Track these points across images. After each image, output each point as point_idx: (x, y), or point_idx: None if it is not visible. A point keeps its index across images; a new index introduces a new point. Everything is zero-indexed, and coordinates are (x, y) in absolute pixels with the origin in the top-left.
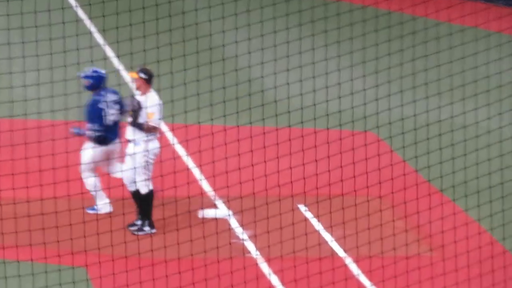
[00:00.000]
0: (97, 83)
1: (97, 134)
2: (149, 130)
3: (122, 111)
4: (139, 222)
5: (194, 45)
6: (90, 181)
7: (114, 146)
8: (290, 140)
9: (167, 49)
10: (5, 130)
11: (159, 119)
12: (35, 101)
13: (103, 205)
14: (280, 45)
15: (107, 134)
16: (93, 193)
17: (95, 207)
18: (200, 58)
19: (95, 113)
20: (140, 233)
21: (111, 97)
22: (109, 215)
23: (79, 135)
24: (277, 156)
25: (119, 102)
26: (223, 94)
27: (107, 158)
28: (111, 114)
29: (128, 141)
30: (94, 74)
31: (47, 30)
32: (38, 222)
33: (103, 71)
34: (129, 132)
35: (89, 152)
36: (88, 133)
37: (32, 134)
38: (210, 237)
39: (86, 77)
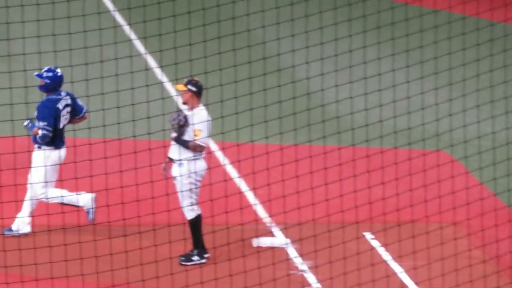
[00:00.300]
0: (54, 84)
1: (48, 134)
2: (195, 148)
3: (72, 115)
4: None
5: (246, 55)
6: (54, 193)
7: (65, 151)
8: (354, 160)
9: (216, 59)
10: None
11: (207, 137)
12: None
13: (87, 202)
14: (342, 55)
15: (58, 137)
16: (67, 201)
17: (89, 214)
18: (253, 69)
19: (51, 112)
20: (188, 263)
21: (67, 99)
22: (154, 243)
23: (32, 130)
24: (339, 178)
25: (71, 105)
26: (279, 109)
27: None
28: (64, 118)
29: (171, 160)
30: (50, 74)
31: (81, 37)
32: (75, 252)
33: (59, 71)
34: (173, 151)
35: (43, 160)
36: (41, 131)
37: (67, 154)
38: (266, 268)
39: (41, 76)
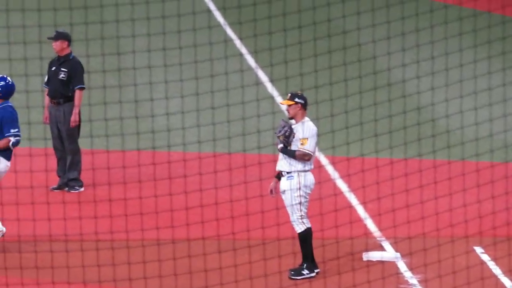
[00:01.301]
0: (6, 93)
1: (20, 139)
2: (303, 157)
3: None
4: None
5: (357, 69)
6: None
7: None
8: (463, 174)
9: (327, 73)
10: (147, 164)
11: (315, 147)
12: (179, 131)
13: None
14: (452, 69)
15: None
16: None
17: None
18: (363, 83)
19: (17, 119)
20: (298, 277)
21: None
22: (263, 257)
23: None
24: (449, 192)
25: None
26: (389, 123)
27: None
28: None
29: (280, 173)
30: (3, 83)
31: (192, 51)
32: (185, 266)
33: (10, 80)
34: (282, 164)
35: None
36: (15, 138)
37: (176, 167)
38: (375, 282)
39: None
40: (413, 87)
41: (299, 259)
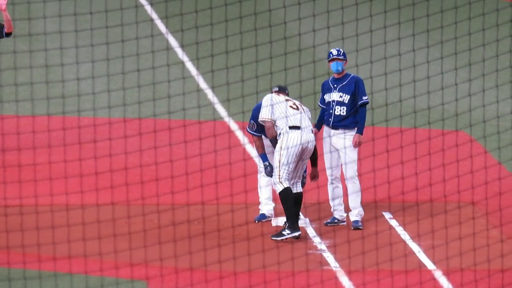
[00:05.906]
0: None
1: None
2: (268, 129)
3: None
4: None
5: (267, 34)
6: None
7: None
8: (373, 140)
9: (237, 39)
10: (56, 129)
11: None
12: (89, 96)
13: None
14: (363, 35)
15: None
16: None
17: None
18: (274, 48)
19: None
20: (278, 238)
21: None
22: (173, 222)
23: None
24: (358, 157)
25: None
26: (300, 89)
27: None
28: None
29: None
30: None
31: (103, 16)
32: (94, 231)
33: None
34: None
35: None
36: None
37: (86, 133)
38: (284, 247)
39: None
40: (324, 52)
41: (207, 223)
